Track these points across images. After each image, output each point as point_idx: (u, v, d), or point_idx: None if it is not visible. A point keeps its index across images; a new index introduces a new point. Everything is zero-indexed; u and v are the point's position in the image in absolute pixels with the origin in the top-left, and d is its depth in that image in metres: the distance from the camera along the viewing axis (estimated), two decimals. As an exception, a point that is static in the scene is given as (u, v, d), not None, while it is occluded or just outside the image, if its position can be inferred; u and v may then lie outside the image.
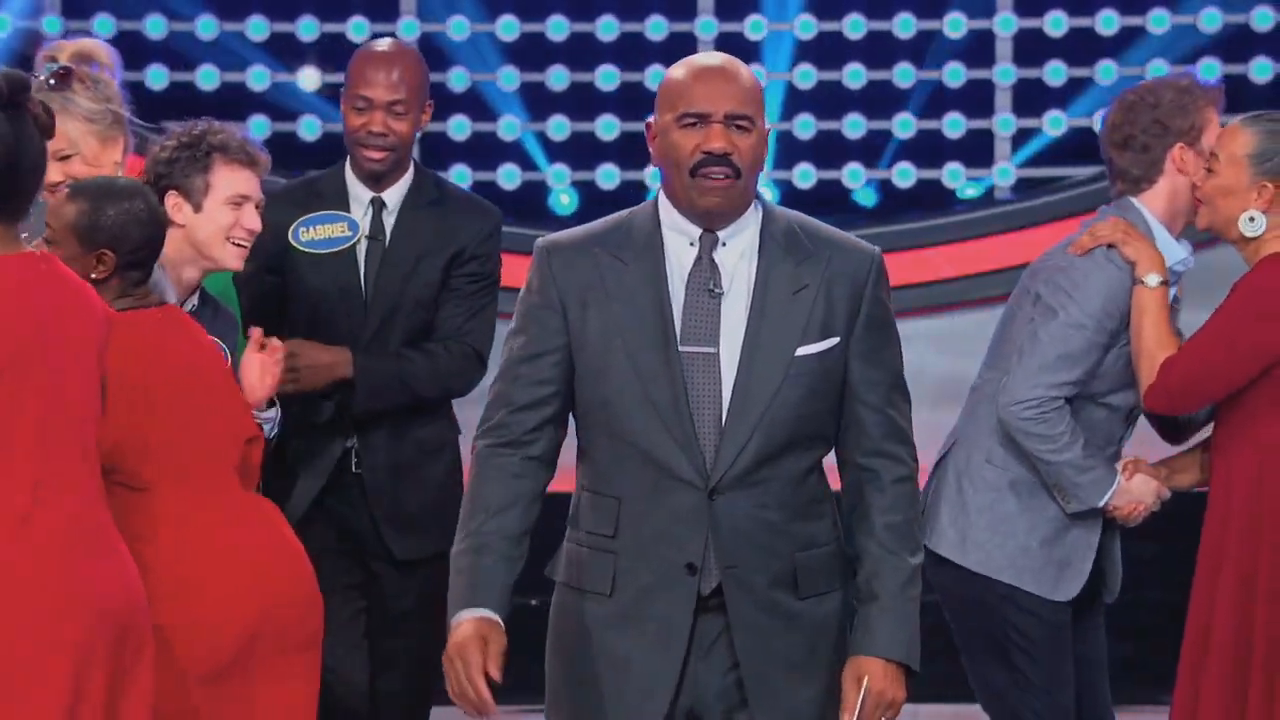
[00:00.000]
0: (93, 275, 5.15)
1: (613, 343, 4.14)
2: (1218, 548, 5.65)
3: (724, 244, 4.16)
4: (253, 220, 5.64)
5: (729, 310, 4.16)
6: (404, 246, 5.89)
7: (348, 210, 5.88)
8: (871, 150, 11.28)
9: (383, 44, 6.07)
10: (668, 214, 4.16)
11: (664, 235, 4.18)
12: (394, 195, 5.86)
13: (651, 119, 4.20)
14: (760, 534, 4.16)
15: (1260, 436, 5.51)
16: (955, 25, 11.00)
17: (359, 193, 5.87)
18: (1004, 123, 11.16)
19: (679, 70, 4.21)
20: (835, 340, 4.14)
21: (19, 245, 4.65)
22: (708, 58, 4.27)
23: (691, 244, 4.13)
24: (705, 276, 4.15)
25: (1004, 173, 11.24)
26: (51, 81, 5.72)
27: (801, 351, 4.16)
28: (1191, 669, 5.66)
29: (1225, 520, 5.64)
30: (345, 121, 5.72)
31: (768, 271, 4.19)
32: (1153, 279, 5.56)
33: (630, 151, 11.44)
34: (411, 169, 5.93)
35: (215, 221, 5.57)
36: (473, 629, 4.12)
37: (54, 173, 5.64)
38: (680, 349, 4.12)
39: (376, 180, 5.80)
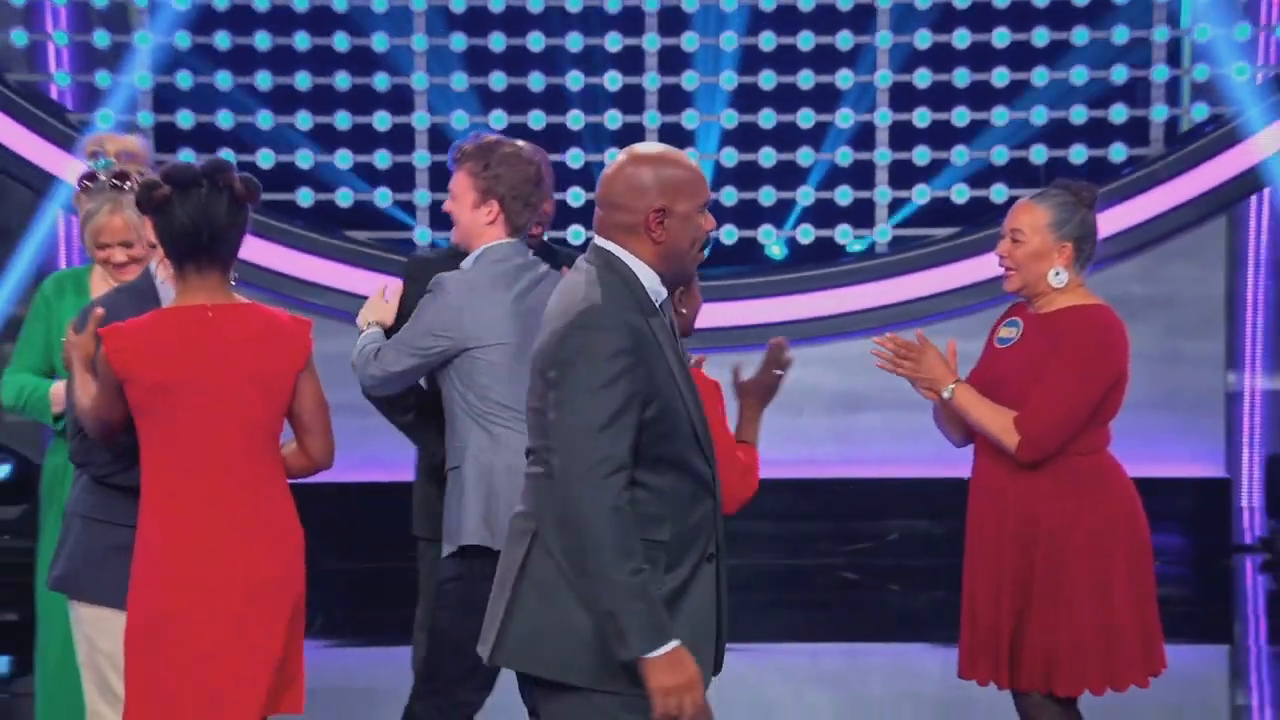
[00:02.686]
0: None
1: (671, 389, 4.06)
2: (980, 527, 5.66)
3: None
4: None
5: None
6: None
7: None
8: (781, 215, 11.55)
9: None
10: (648, 278, 4.09)
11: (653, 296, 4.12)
12: None
13: (661, 205, 4.04)
14: None
15: (1076, 445, 5.51)
16: (845, 118, 11.36)
17: None
18: (882, 194, 11.46)
19: (687, 167, 4.12)
20: None
21: (227, 294, 4.77)
22: (683, 154, 4.18)
23: (659, 302, 4.13)
24: (672, 326, 4.20)
25: (883, 233, 11.49)
26: (115, 182, 5.76)
27: None
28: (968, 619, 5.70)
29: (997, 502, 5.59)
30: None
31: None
32: (948, 391, 5.56)
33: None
34: None
35: None
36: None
37: (118, 254, 5.87)
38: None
39: None
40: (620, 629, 3.91)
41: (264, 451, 4.74)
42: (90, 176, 5.84)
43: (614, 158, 4.15)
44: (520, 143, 5.76)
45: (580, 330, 3.94)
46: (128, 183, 5.67)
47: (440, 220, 11.26)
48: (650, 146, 4.19)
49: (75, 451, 5.07)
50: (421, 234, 11.44)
